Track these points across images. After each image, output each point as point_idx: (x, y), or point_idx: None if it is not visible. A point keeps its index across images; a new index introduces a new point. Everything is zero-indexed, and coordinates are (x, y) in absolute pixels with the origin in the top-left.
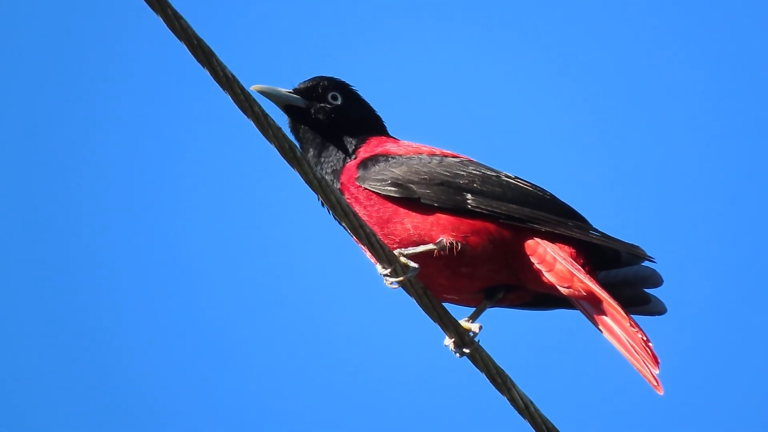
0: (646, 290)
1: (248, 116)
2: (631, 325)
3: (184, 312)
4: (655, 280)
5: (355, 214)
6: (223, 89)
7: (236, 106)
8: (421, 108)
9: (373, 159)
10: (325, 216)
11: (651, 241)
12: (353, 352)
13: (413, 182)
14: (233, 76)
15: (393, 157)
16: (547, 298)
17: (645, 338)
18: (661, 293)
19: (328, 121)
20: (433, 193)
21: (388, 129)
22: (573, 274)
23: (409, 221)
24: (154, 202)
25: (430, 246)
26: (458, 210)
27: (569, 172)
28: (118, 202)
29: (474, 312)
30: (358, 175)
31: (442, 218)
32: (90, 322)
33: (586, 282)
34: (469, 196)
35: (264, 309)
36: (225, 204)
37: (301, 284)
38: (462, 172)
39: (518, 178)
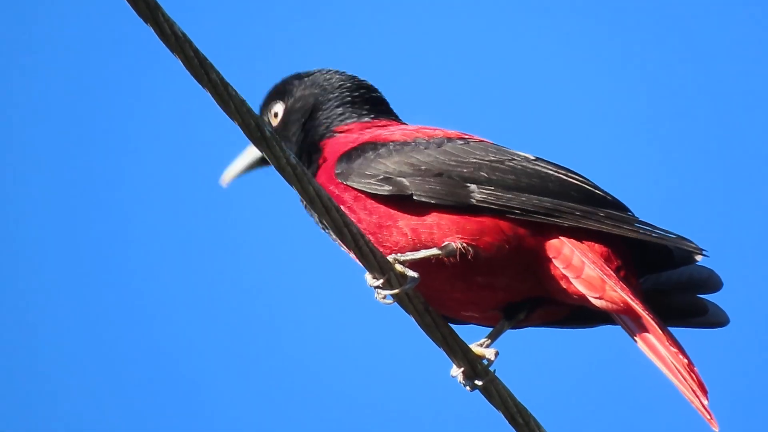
0: (702, 296)
1: (203, 85)
2: (670, 344)
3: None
4: (713, 284)
5: (339, 210)
6: (173, 52)
7: (189, 73)
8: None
9: (359, 149)
10: (305, 218)
11: (709, 239)
12: (340, 383)
13: (406, 174)
14: (184, 35)
15: (383, 145)
16: (585, 312)
17: (687, 362)
18: (720, 300)
19: (290, 137)
20: (429, 187)
21: (386, 109)
22: (604, 282)
23: (405, 224)
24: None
25: (434, 251)
26: (462, 206)
27: (611, 158)
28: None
29: (489, 334)
30: (338, 170)
31: (444, 218)
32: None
33: (618, 291)
34: (474, 188)
35: (233, 334)
36: (184, 199)
37: (277, 301)
38: (466, 159)
39: (539, 159)
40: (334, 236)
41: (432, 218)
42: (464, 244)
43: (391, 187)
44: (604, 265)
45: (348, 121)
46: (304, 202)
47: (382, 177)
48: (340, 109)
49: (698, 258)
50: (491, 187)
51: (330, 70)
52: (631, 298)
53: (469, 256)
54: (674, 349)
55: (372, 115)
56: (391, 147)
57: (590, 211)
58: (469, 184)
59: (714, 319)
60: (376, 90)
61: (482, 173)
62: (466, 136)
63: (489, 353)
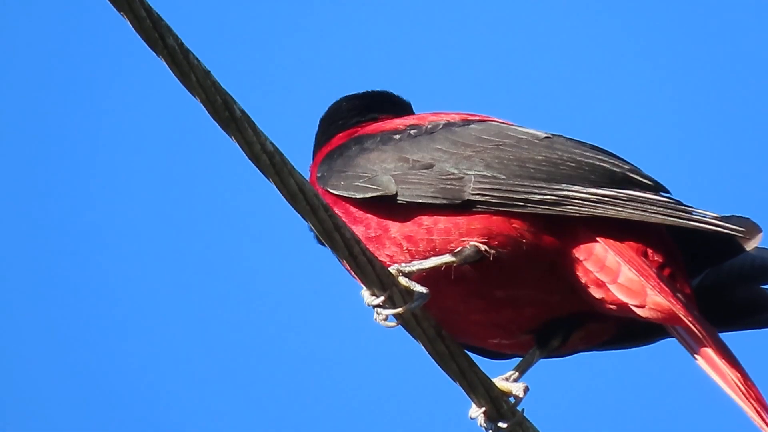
0: (765, 287)
1: (158, 53)
2: (719, 356)
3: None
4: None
5: (329, 210)
6: (119, 11)
7: (143, 40)
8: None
9: (343, 146)
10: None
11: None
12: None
13: (391, 171)
14: None
15: (369, 137)
16: (637, 326)
17: (742, 376)
18: None
19: None
20: (416, 184)
21: (399, 108)
22: (644, 287)
23: (398, 232)
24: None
25: (446, 258)
26: (459, 204)
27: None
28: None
29: (517, 365)
30: (319, 173)
31: (442, 220)
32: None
33: (660, 296)
34: (469, 179)
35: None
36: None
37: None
38: (462, 145)
39: (554, 137)
40: (320, 239)
41: (428, 221)
42: (486, 246)
43: (373, 189)
44: (644, 265)
45: (348, 126)
46: (284, 194)
47: (365, 176)
48: (341, 121)
49: (755, 240)
50: (489, 176)
51: (339, 100)
52: (672, 302)
53: (491, 259)
54: (726, 362)
55: (376, 115)
56: (378, 139)
57: (609, 195)
58: (463, 176)
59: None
60: (391, 96)
61: (479, 160)
62: (471, 117)
63: (517, 389)
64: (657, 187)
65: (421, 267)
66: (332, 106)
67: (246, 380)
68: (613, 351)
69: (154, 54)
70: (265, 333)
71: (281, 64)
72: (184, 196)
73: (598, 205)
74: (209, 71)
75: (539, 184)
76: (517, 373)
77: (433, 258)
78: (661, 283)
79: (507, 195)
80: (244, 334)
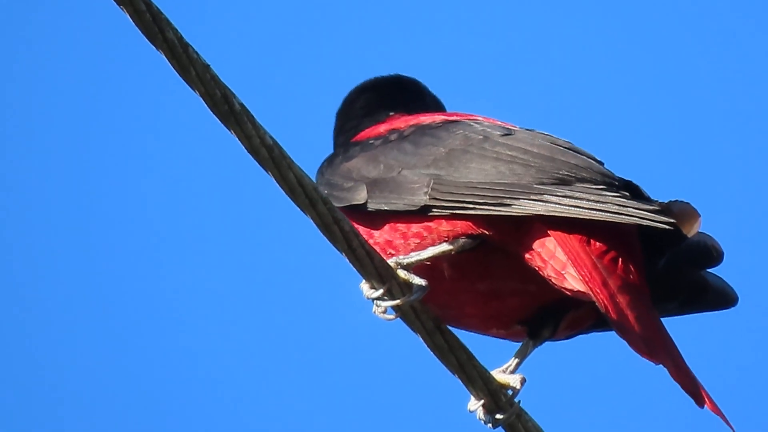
0: (710, 270)
1: (158, 47)
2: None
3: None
4: (713, 254)
5: (329, 203)
6: (120, 5)
7: (142, 34)
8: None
9: (334, 153)
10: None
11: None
12: (331, 418)
13: (365, 178)
14: None
15: (356, 144)
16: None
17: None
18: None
19: None
20: (382, 191)
21: (413, 101)
22: (584, 274)
23: (380, 238)
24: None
25: (444, 247)
26: (419, 210)
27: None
28: None
29: (514, 357)
30: (315, 181)
31: (411, 226)
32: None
33: (579, 284)
34: (424, 184)
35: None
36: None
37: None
38: (426, 149)
39: (515, 132)
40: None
41: (402, 227)
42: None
43: (346, 199)
44: (583, 254)
45: (359, 129)
46: (283, 188)
47: (341, 186)
48: (354, 121)
49: (695, 226)
50: (443, 181)
51: (354, 91)
52: (591, 286)
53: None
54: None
55: (389, 112)
56: (359, 146)
57: (548, 193)
58: (421, 181)
59: (718, 298)
60: (408, 84)
61: (435, 165)
62: (450, 118)
63: (514, 381)
64: (607, 182)
65: (419, 258)
66: (347, 98)
67: (245, 374)
68: (612, 338)
69: (154, 48)
70: (266, 326)
71: (280, 57)
72: (184, 190)
73: (536, 203)
74: (208, 65)
75: (486, 187)
76: (513, 365)
77: (430, 248)
78: (593, 272)
79: (457, 199)
80: (242, 328)
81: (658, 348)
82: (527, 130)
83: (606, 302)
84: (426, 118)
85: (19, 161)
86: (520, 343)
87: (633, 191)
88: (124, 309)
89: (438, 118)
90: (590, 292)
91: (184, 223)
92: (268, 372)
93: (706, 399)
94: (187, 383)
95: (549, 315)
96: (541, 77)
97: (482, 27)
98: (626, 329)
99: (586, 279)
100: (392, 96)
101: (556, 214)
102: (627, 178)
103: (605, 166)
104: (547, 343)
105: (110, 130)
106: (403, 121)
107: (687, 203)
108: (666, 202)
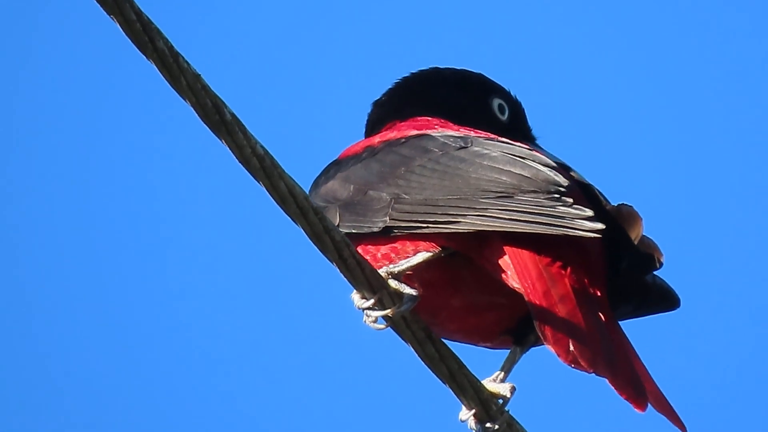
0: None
1: (148, 56)
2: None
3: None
4: (654, 257)
5: (319, 213)
6: (110, 14)
7: (132, 43)
8: None
9: (323, 170)
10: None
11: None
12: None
13: (340, 198)
14: None
15: (338, 162)
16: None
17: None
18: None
19: None
20: (352, 210)
21: (437, 101)
22: (535, 287)
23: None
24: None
25: (425, 254)
26: (381, 231)
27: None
28: None
29: (502, 366)
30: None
31: (380, 247)
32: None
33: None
34: (390, 204)
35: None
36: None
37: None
38: (391, 167)
39: (470, 144)
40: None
41: (372, 249)
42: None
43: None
44: (530, 264)
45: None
46: (274, 198)
47: (326, 205)
48: (384, 117)
49: (637, 229)
50: (400, 201)
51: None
52: (527, 287)
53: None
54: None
55: (407, 114)
56: (338, 166)
57: (486, 207)
58: (383, 202)
59: (660, 301)
60: (439, 77)
61: (395, 183)
62: (420, 131)
63: (504, 389)
64: (551, 190)
65: (409, 264)
66: (377, 102)
67: (236, 385)
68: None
69: (144, 57)
70: (256, 337)
71: (270, 67)
72: (175, 200)
73: (478, 218)
74: (199, 75)
75: (438, 204)
76: (503, 373)
77: (419, 254)
78: (536, 282)
79: (413, 218)
80: (232, 339)
81: (595, 358)
82: (488, 138)
83: (537, 312)
84: (396, 134)
85: (11, 170)
86: (509, 351)
87: (589, 195)
88: (107, 327)
89: (408, 132)
90: (528, 302)
91: (174, 232)
92: (259, 382)
93: (654, 404)
94: (177, 397)
95: (532, 322)
96: (541, 77)
97: (482, 27)
98: (552, 340)
99: (528, 290)
100: (419, 93)
101: (495, 229)
102: (586, 181)
103: (574, 169)
104: (534, 349)
105: (101, 140)
106: (379, 136)
107: (630, 206)
108: (616, 205)
